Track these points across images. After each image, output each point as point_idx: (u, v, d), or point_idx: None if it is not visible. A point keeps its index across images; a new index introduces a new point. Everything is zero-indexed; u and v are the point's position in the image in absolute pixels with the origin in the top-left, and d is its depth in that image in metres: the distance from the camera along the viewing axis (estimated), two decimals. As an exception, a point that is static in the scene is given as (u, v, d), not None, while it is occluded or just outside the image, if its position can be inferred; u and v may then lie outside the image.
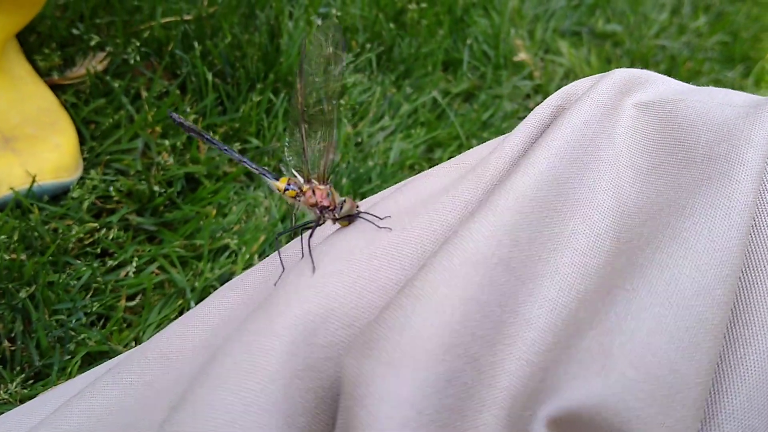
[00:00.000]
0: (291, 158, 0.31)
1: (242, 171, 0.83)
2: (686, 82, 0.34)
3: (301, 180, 0.31)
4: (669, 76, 0.34)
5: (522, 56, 1.23)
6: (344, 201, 0.29)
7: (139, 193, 0.75)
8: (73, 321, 0.64)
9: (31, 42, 0.85)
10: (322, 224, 0.30)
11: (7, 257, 0.63)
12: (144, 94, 0.86)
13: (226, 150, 0.33)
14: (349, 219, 0.29)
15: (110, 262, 0.70)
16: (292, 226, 0.31)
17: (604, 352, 0.20)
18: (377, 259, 0.25)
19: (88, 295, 0.67)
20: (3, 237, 0.63)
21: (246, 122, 0.87)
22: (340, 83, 0.31)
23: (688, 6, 1.56)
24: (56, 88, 0.83)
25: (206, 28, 0.93)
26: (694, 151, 0.27)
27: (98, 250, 0.70)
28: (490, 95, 1.12)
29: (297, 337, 0.23)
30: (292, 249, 0.31)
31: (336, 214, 0.29)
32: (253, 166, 0.32)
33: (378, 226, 0.27)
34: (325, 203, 0.29)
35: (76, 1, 0.89)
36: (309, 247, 0.29)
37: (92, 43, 0.86)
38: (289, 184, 0.31)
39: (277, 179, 0.32)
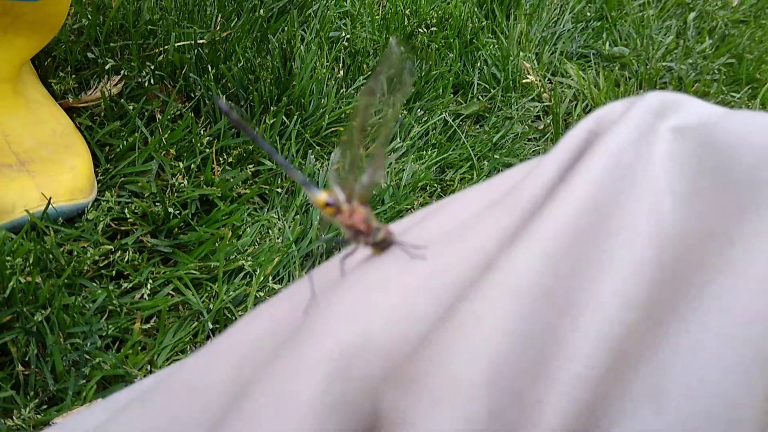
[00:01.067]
0: (337, 174, 0.30)
1: (256, 192, 0.83)
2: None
3: (342, 197, 0.30)
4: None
5: (530, 78, 1.24)
6: (379, 228, 0.28)
7: (154, 215, 0.75)
8: (89, 344, 0.63)
9: (46, 65, 0.85)
10: (356, 248, 0.29)
11: (23, 280, 0.63)
12: (158, 116, 0.86)
13: (269, 150, 0.32)
14: (383, 247, 0.28)
15: (125, 285, 0.70)
16: (321, 239, 0.31)
17: (659, 389, 0.20)
18: (413, 289, 0.25)
19: (103, 318, 0.66)
20: (18, 260, 0.63)
21: (258, 146, 0.87)
22: (401, 104, 0.31)
23: (692, 29, 1.57)
24: (71, 111, 0.83)
25: (220, 52, 0.94)
26: (736, 176, 0.26)
27: (113, 273, 0.70)
28: (501, 117, 1.12)
29: (331, 371, 0.22)
30: (318, 275, 0.31)
31: (371, 240, 0.28)
32: (299, 175, 0.31)
33: (412, 256, 0.26)
34: (361, 227, 0.29)
35: (91, 25, 0.90)
36: (341, 271, 0.29)
37: (107, 66, 0.86)
38: (330, 200, 0.30)
39: (319, 191, 0.31)
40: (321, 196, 0.30)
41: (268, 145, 0.33)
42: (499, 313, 0.21)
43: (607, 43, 1.41)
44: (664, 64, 1.41)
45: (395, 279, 0.25)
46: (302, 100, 0.95)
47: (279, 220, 0.82)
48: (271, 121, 0.89)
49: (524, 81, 1.23)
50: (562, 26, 1.41)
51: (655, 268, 0.25)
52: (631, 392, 0.20)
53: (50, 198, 0.71)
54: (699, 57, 1.48)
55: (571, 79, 1.30)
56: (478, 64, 1.18)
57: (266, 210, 0.84)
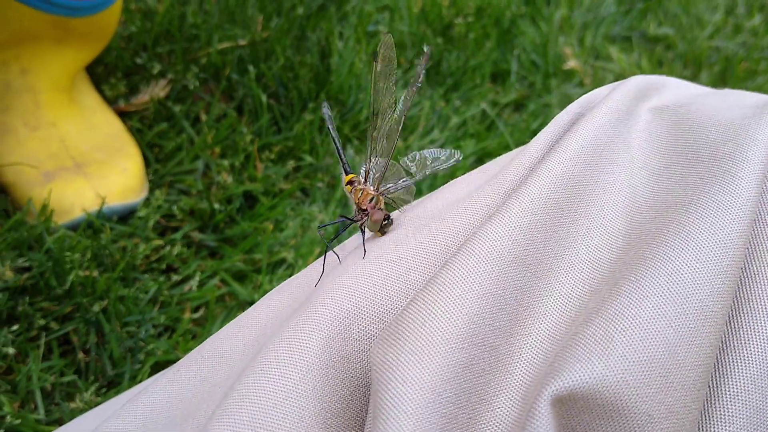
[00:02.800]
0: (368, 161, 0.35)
1: (297, 187, 0.87)
2: (743, 83, 0.35)
3: (363, 179, 0.34)
4: (724, 77, 0.35)
5: (571, 64, 1.24)
6: (378, 212, 0.31)
7: (201, 211, 0.80)
8: (143, 332, 0.68)
9: (98, 73, 0.91)
10: (356, 222, 0.32)
11: (81, 273, 0.68)
12: (203, 117, 0.90)
13: (338, 148, 0.37)
14: (381, 230, 0.31)
15: (175, 277, 0.74)
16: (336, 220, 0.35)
17: (607, 337, 0.22)
18: (405, 262, 0.27)
19: (156, 308, 0.71)
20: (77, 255, 0.68)
21: (300, 140, 0.90)
22: (394, 96, 0.35)
23: (742, 6, 1.53)
24: (122, 115, 0.88)
25: (260, 52, 0.97)
26: (702, 151, 0.28)
27: (164, 266, 0.74)
28: (540, 104, 1.13)
29: (332, 332, 0.25)
30: (331, 255, 0.34)
31: (370, 222, 0.31)
32: (342, 156, 0.36)
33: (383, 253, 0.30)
34: (363, 206, 0.32)
35: (139, 32, 0.95)
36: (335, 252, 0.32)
37: (154, 71, 0.91)
38: (352, 182, 0.34)
39: (349, 173, 0.35)
40: (346, 177, 0.34)
41: (339, 146, 0.37)
42: (474, 279, 0.24)
43: (652, 24, 1.40)
44: (711, 43, 1.39)
45: (390, 253, 0.27)
46: (341, 96, 0.98)
47: (320, 213, 0.85)
48: (311, 118, 0.92)
49: (565, 67, 1.23)
50: (605, 9, 1.40)
51: (624, 237, 0.27)
52: (583, 341, 0.22)
53: (104, 198, 0.76)
54: (749, 34, 1.45)
55: (614, 63, 1.29)
56: (516, 52, 1.19)
57: (307, 204, 0.87)
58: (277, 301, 0.32)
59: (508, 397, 0.23)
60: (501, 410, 0.23)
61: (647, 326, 0.22)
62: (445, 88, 1.08)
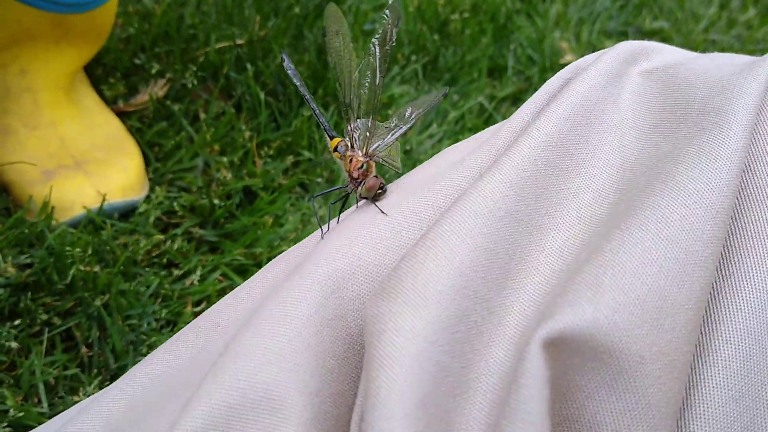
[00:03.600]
0: (354, 125, 0.34)
1: (296, 182, 0.87)
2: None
3: (350, 146, 0.33)
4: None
5: (568, 58, 1.24)
6: (373, 179, 0.31)
7: (201, 207, 0.80)
8: (145, 325, 0.68)
9: (97, 74, 0.91)
10: (351, 192, 0.32)
11: (83, 269, 0.68)
12: (202, 115, 0.91)
13: (306, 99, 0.36)
14: (373, 197, 0.31)
15: (176, 272, 0.74)
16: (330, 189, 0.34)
17: (597, 282, 0.22)
18: (398, 223, 0.28)
19: (158, 302, 0.71)
20: (78, 250, 0.68)
21: (298, 136, 0.91)
22: (386, 64, 0.35)
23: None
24: (122, 115, 0.88)
25: (258, 51, 0.98)
26: (691, 108, 0.28)
27: (165, 261, 0.75)
28: (537, 98, 1.13)
29: (326, 291, 0.26)
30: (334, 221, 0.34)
31: (359, 189, 0.31)
32: (322, 120, 0.35)
33: (383, 211, 0.29)
34: (355, 174, 0.32)
35: (138, 34, 0.95)
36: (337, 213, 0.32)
37: (153, 71, 0.91)
38: (338, 146, 0.34)
39: (334, 138, 0.35)
40: (332, 142, 0.34)
41: (309, 97, 0.36)
42: (466, 233, 0.24)
43: (648, 19, 1.40)
44: (706, 36, 1.39)
45: (383, 216, 0.28)
46: (338, 92, 0.98)
47: (320, 208, 0.85)
48: (309, 114, 0.93)
49: (562, 61, 1.23)
50: (600, 4, 1.40)
51: (615, 193, 0.27)
52: (573, 287, 0.22)
53: (105, 195, 0.76)
54: (743, 27, 1.45)
55: (610, 57, 1.29)
56: (513, 47, 1.20)
57: (307, 199, 0.87)
58: (272, 272, 0.32)
59: (501, 348, 0.23)
60: (494, 360, 0.23)
61: (637, 270, 0.22)
62: (443, 83, 1.09)
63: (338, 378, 0.25)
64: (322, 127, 0.36)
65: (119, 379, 0.31)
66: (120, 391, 0.30)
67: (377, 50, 0.34)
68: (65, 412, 0.32)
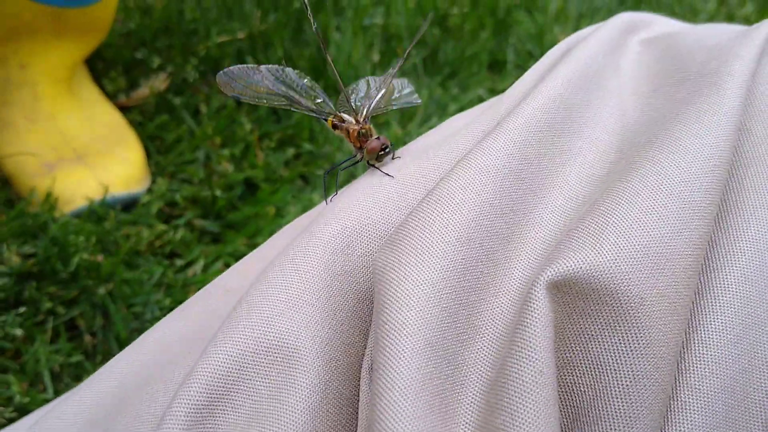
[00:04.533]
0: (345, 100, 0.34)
1: (297, 175, 0.87)
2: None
3: (347, 118, 0.33)
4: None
5: (567, 53, 1.24)
6: (374, 141, 0.31)
7: (203, 199, 0.80)
8: (149, 313, 0.68)
9: (98, 68, 0.92)
10: (359, 161, 0.33)
11: (86, 257, 0.68)
12: (203, 109, 0.91)
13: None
14: (378, 158, 0.31)
15: (179, 262, 0.74)
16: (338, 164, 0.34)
17: (599, 230, 0.22)
18: (404, 184, 0.28)
19: (161, 291, 0.71)
20: (81, 238, 0.69)
21: (299, 129, 0.91)
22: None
23: (736, -8, 1.55)
24: (123, 110, 0.89)
25: (258, 45, 0.98)
26: (689, 71, 0.29)
27: (167, 250, 0.75)
28: (537, 91, 1.14)
29: (335, 248, 0.26)
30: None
31: (367, 153, 0.32)
32: (309, 104, 0.35)
33: (388, 174, 0.29)
34: (357, 144, 0.32)
35: (138, 28, 0.96)
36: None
37: (154, 65, 0.92)
38: (335, 124, 0.34)
39: (326, 119, 0.34)
40: (327, 122, 0.34)
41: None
42: (471, 188, 0.24)
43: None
44: (705, 29, 1.40)
45: (390, 178, 0.28)
46: (337, 87, 0.99)
47: (321, 199, 0.86)
48: (310, 106, 0.93)
49: (560, 55, 1.24)
50: (599, 0, 1.41)
51: (616, 152, 0.27)
52: (575, 235, 0.22)
53: (107, 187, 0.76)
54: (742, 21, 1.46)
55: (609, 51, 1.30)
56: (512, 41, 1.20)
57: (308, 191, 0.88)
58: (281, 238, 0.33)
59: (507, 297, 0.24)
60: (499, 309, 0.24)
61: (637, 219, 0.22)
62: (443, 77, 1.09)
63: (348, 330, 0.25)
64: (314, 115, 0.35)
65: (130, 346, 0.31)
66: (134, 352, 0.30)
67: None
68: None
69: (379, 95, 0.34)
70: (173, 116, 0.90)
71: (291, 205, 0.84)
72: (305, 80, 0.36)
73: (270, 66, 0.36)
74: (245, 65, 0.34)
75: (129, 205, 0.79)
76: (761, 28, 0.30)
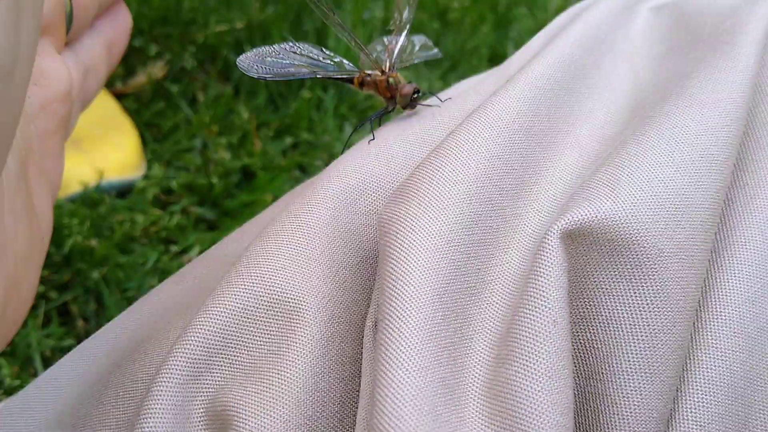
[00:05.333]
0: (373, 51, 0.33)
1: (294, 164, 0.87)
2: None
3: (372, 73, 0.33)
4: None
5: (567, 49, 1.24)
6: (406, 86, 0.31)
7: (199, 186, 0.79)
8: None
9: (95, 55, 0.91)
10: (391, 110, 0.32)
11: (80, 240, 0.67)
12: (201, 97, 0.90)
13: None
14: (412, 104, 0.31)
15: (174, 248, 0.73)
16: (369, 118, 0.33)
17: (614, 180, 0.21)
18: (410, 143, 0.27)
19: (156, 277, 0.70)
20: (75, 221, 0.68)
21: (297, 118, 0.90)
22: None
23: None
24: (119, 97, 0.88)
25: (257, 34, 0.97)
26: (702, 32, 0.28)
27: (163, 236, 0.74)
28: (536, 86, 1.13)
29: (338, 205, 0.25)
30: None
31: (400, 102, 0.31)
32: (332, 67, 0.34)
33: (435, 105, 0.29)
34: (386, 94, 0.32)
35: (136, 17, 0.95)
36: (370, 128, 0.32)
37: (151, 53, 0.91)
38: (361, 83, 0.33)
39: (352, 81, 0.34)
40: (354, 80, 0.33)
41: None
42: (480, 142, 0.24)
43: (645, 12, 1.41)
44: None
45: (395, 136, 0.27)
46: (348, 55, 0.98)
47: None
48: (308, 96, 0.92)
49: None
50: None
51: (629, 112, 0.27)
52: (590, 185, 0.21)
53: (102, 172, 0.75)
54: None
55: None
56: (512, 35, 1.20)
57: (305, 180, 0.87)
58: (280, 206, 0.32)
59: (517, 252, 0.23)
60: (509, 264, 0.23)
61: (654, 170, 0.22)
62: (443, 70, 1.09)
63: (351, 287, 0.24)
64: (333, 77, 0.34)
65: (126, 311, 0.31)
66: (129, 316, 0.29)
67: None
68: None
69: (399, 45, 0.33)
70: (170, 104, 0.89)
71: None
72: (322, 50, 0.35)
73: (284, 44, 0.35)
74: (261, 47, 0.34)
75: (124, 191, 0.78)
76: None
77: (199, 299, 0.27)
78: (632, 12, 0.32)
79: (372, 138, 0.28)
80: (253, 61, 0.33)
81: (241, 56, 0.34)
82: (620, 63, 0.29)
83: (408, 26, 0.34)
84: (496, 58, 1.16)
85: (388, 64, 0.33)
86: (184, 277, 0.30)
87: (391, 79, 0.32)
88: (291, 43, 0.35)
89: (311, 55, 0.34)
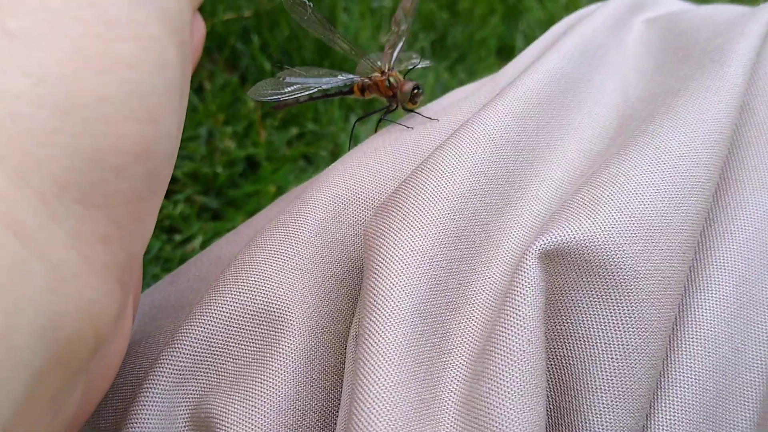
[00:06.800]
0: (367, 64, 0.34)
1: (299, 153, 0.87)
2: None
3: (373, 75, 0.33)
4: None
5: (576, 41, 1.23)
6: (407, 83, 0.31)
7: (204, 175, 0.80)
8: (144, 287, 0.68)
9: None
10: (394, 109, 0.32)
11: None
12: (207, 85, 0.91)
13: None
14: (413, 101, 0.31)
15: (178, 237, 0.74)
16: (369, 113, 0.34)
17: (594, 200, 0.22)
18: (399, 154, 0.28)
19: (159, 265, 0.71)
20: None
21: (303, 108, 0.91)
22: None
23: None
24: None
25: (264, 23, 0.98)
26: (693, 48, 0.28)
27: (166, 225, 0.75)
28: (544, 79, 1.13)
29: (326, 215, 0.26)
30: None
31: (401, 101, 0.31)
32: (334, 81, 0.34)
33: (426, 119, 0.29)
34: (388, 93, 0.32)
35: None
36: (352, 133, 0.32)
37: (159, 40, 0.91)
38: (362, 89, 0.34)
39: (352, 92, 0.34)
40: (354, 95, 0.34)
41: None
42: (466, 157, 0.24)
43: (657, 5, 1.40)
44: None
45: (385, 147, 0.28)
46: (344, 66, 0.98)
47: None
48: (314, 86, 0.92)
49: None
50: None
51: (616, 129, 0.27)
52: (570, 205, 0.22)
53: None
54: (750, 3, 1.44)
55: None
56: (522, 27, 1.19)
57: (310, 171, 0.87)
58: (274, 209, 0.32)
59: (498, 268, 0.23)
60: (490, 280, 0.23)
61: (634, 191, 0.22)
62: (451, 61, 1.08)
63: (337, 297, 0.25)
64: (335, 89, 0.34)
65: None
66: None
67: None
68: None
69: (398, 49, 0.33)
70: (177, 92, 0.89)
71: (292, 184, 0.84)
72: (320, 70, 0.35)
73: (284, 71, 0.35)
74: (265, 80, 0.34)
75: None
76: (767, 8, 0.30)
77: (191, 301, 0.27)
78: (626, 24, 0.32)
79: (375, 132, 0.29)
80: (263, 92, 0.33)
81: (250, 90, 0.34)
82: (611, 76, 0.29)
83: (404, 37, 0.34)
84: (504, 50, 1.16)
85: (387, 66, 0.33)
86: (178, 277, 0.31)
87: (391, 78, 0.33)
88: (293, 69, 0.35)
89: (309, 74, 0.34)
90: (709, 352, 0.22)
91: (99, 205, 0.18)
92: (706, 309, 0.23)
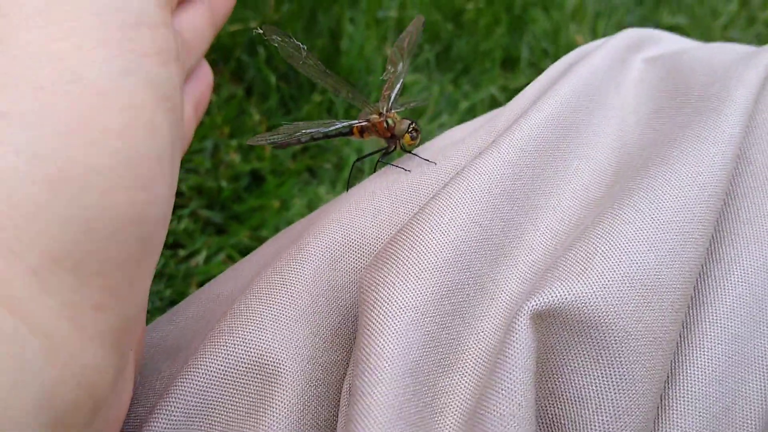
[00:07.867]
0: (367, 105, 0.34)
1: (304, 167, 0.87)
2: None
3: (370, 117, 0.33)
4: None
5: (583, 52, 1.23)
6: (403, 121, 0.32)
7: (209, 189, 0.80)
8: (148, 305, 0.68)
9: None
10: (392, 150, 0.33)
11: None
12: (213, 98, 0.91)
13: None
14: (410, 135, 0.32)
15: (182, 252, 0.74)
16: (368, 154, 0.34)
17: (587, 258, 0.22)
18: (396, 198, 0.28)
19: (162, 281, 0.71)
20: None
21: (308, 121, 0.91)
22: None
23: (758, -5, 1.52)
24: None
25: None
26: (690, 93, 0.28)
27: (170, 241, 0.75)
28: (550, 90, 1.13)
29: (323, 263, 0.26)
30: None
31: (399, 143, 0.32)
32: (337, 124, 0.34)
33: (423, 161, 0.30)
34: (386, 134, 0.32)
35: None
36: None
37: (165, 52, 0.92)
38: (361, 131, 0.34)
39: (352, 133, 0.35)
40: (355, 137, 0.34)
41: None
42: (461, 208, 0.24)
43: (665, 14, 1.39)
44: (726, 33, 1.38)
45: (382, 190, 0.28)
46: (350, 78, 0.98)
47: (327, 194, 0.86)
48: (319, 99, 0.93)
49: (576, 54, 1.22)
50: (617, -1, 1.39)
51: (613, 175, 0.27)
52: (563, 263, 0.22)
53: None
54: (763, 26, 1.44)
55: (625, 51, 1.28)
56: (527, 39, 1.19)
57: (315, 184, 0.87)
58: (275, 245, 0.32)
59: (491, 322, 0.23)
60: (483, 333, 0.23)
61: (627, 248, 0.22)
62: (455, 73, 1.08)
63: (332, 347, 0.25)
64: (337, 132, 0.35)
65: None
66: None
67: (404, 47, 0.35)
68: None
69: (395, 90, 0.33)
70: (182, 104, 0.89)
71: (296, 198, 0.84)
72: (320, 121, 0.36)
73: (283, 126, 0.36)
74: (270, 132, 0.34)
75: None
76: (766, 53, 0.29)
77: (189, 342, 0.28)
78: (625, 64, 0.32)
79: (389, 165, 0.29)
80: (272, 137, 0.34)
81: (260, 142, 0.34)
82: (609, 120, 0.29)
83: (402, 79, 0.34)
84: (509, 61, 1.16)
85: (385, 108, 0.34)
86: (177, 315, 0.31)
87: (389, 119, 0.33)
88: (296, 124, 0.36)
89: (309, 126, 0.34)
90: (699, 412, 0.22)
91: (92, 273, 0.18)
92: (697, 367, 0.23)
